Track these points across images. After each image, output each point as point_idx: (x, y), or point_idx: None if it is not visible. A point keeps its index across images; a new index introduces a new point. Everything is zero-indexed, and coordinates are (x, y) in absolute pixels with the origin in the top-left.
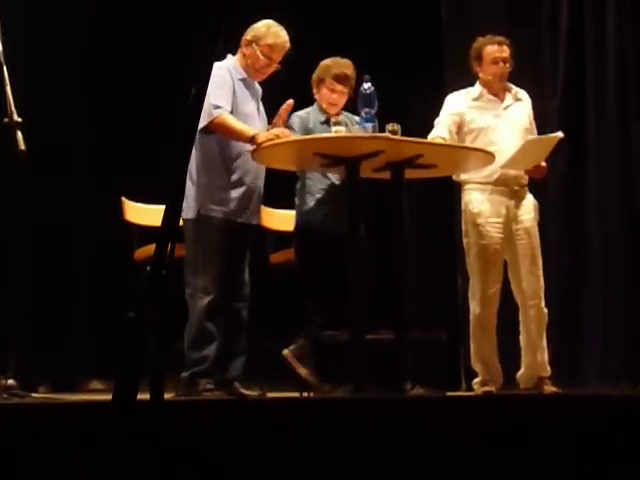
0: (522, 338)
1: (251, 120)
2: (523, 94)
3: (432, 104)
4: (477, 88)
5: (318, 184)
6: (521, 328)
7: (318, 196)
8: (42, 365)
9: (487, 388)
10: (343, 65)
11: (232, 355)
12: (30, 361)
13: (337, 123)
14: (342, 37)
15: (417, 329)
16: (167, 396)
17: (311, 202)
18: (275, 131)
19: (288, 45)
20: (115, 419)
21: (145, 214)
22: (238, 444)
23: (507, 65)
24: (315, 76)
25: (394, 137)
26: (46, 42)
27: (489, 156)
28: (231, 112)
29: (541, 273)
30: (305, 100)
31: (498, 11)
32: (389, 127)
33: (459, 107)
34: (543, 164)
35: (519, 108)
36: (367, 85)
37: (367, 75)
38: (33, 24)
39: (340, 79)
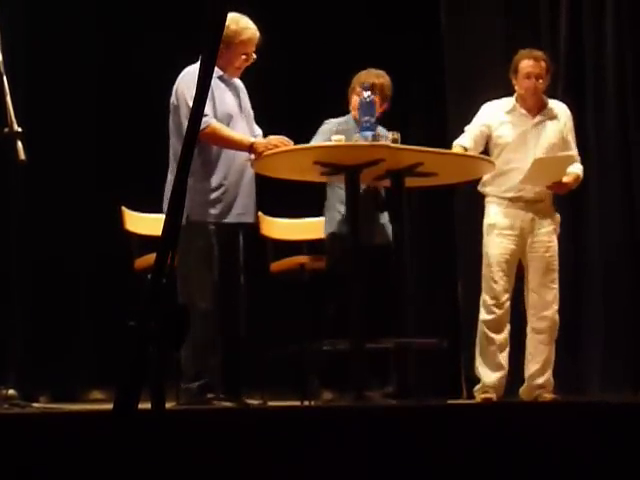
0: (529, 350)
1: (234, 121)
2: (560, 109)
3: (432, 112)
4: (511, 101)
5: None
6: (528, 340)
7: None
8: (42, 375)
9: (487, 395)
10: (372, 74)
11: (234, 363)
12: (30, 371)
13: (338, 132)
14: (341, 45)
15: (418, 336)
16: (168, 405)
17: (338, 210)
18: (274, 140)
19: (258, 34)
20: (116, 428)
21: (145, 223)
22: (240, 453)
23: (540, 81)
24: (351, 87)
25: (394, 145)
26: (47, 51)
27: (489, 165)
28: (214, 116)
29: (556, 286)
30: (303, 107)
31: (497, 13)
32: (389, 135)
33: (490, 119)
34: (565, 179)
35: (551, 125)
36: (367, 93)
37: (366, 84)
38: (33, 34)
39: (366, 87)
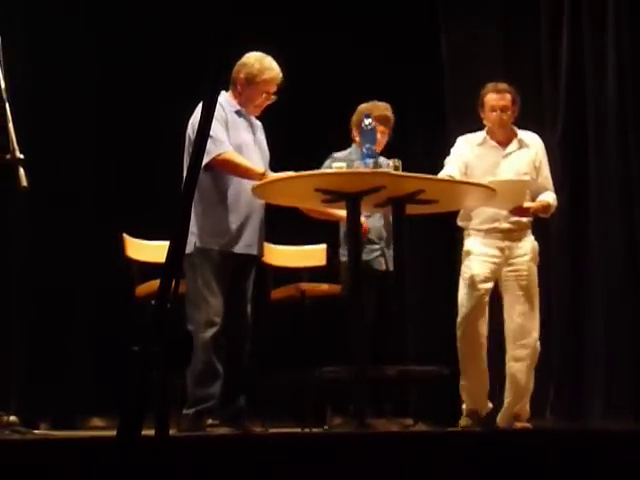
0: (508, 377)
1: (245, 150)
2: (531, 139)
3: (433, 139)
4: (482, 134)
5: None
6: (507, 369)
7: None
8: (43, 402)
9: (464, 422)
10: (382, 107)
11: (236, 390)
12: (31, 398)
13: (339, 159)
14: (342, 76)
15: (419, 364)
16: (171, 432)
17: None
18: (288, 173)
19: (281, 75)
20: (119, 455)
21: (146, 251)
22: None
23: (507, 113)
24: (355, 119)
25: (395, 172)
26: (49, 78)
27: (490, 192)
28: None
29: (536, 313)
30: (302, 134)
31: (497, 43)
32: (390, 163)
33: (463, 152)
34: (528, 204)
35: (521, 155)
36: (368, 121)
37: (367, 112)
38: (35, 60)
39: (381, 120)
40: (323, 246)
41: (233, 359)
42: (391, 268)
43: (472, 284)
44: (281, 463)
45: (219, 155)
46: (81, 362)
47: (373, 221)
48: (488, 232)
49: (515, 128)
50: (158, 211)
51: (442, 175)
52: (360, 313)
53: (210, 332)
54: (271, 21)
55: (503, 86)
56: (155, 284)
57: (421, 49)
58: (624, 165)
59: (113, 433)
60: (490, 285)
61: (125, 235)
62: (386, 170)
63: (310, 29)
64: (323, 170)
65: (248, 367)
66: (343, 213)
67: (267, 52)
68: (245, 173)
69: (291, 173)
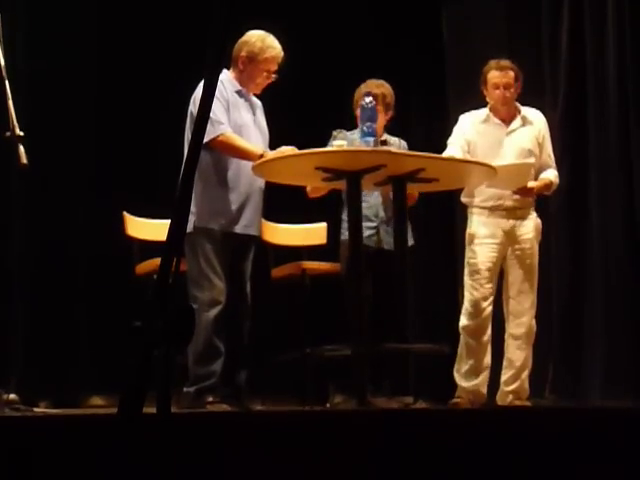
0: (506, 356)
1: (245, 130)
2: (535, 116)
3: (434, 118)
4: (485, 111)
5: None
6: (505, 346)
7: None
8: (43, 380)
9: (456, 400)
10: (372, 84)
11: (236, 368)
12: (31, 376)
13: (339, 137)
14: (343, 53)
15: (420, 342)
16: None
17: None
18: (284, 149)
19: (282, 54)
20: (121, 432)
21: (146, 229)
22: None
23: (510, 90)
24: (356, 98)
25: (396, 151)
26: (48, 56)
27: (491, 170)
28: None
29: (534, 292)
30: (304, 115)
31: (499, 23)
32: (397, 141)
33: (466, 130)
34: (531, 184)
35: (525, 132)
36: (368, 99)
37: (367, 90)
38: (35, 38)
39: (367, 93)
40: (324, 224)
41: (233, 338)
42: (385, 247)
43: (476, 271)
44: (281, 440)
45: (217, 137)
46: (82, 340)
47: (370, 199)
48: (492, 210)
49: (518, 105)
50: (159, 189)
51: (444, 155)
52: (359, 291)
53: (214, 311)
54: (274, 1)
55: (505, 63)
56: (155, 262)
57: (422, 29)
58: (624, 144)
59: (114, 411)
60: (496, 270)
61: (125, 213)
62: (387, 148)
63: (313, 9)
64: (323, 149)
65: (248, 345)
66: None
67: (270, 32)
68: (243, 154)
69: (288, 148)
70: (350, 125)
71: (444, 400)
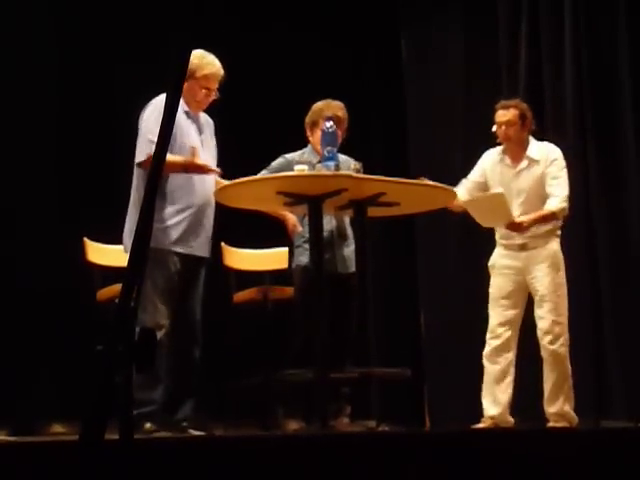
0: (544, 368)
1: (196, 152)
2: (542, 153)
3: (393, 142)
4: (499, 150)
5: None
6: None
7: (308, 235)
8: (2, 408)
9: (480, 425)
10: (334, 107)
11: (181, 397)
12: None
13: (300, 162)
14: (297, 72)
15: (381, 366)
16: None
17: (304, 241)
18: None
19: (222, 72)
20: (83, 459)
21: (107, 255)
22: None
23: (513, 128)
24: (308, 119)
25: (357, 175)
26: (5, 78)
27: (450, 194)
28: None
29: (553, 316)
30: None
31: (458, 45)
32: (351, 162)
33: (486, 168)
34: (521, 218)
35: (531, 172)
36: (329, 124)
37: (329, 114)
38: None
39: (328, 118)
40: (285, 249)
41: (181, 364)
42: (340, 270)
43: (494, 299)
44: (244, 465)
45: (148, 155)
46: (41, 367)
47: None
48: (506, 247)
49: (531, 141)
50: (119, 216)
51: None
52: (322, 314)
53: (157, 336)
54: (222, 21)
55: (510, 102)
56: (116, 288)
57: (381, 49)
58: (582, 167)
59: (75, 438)
60: (517, 297)
61: (86, 239)
62: (348, 173)
63: (262, 29)
64: (285, 173)
65: (198, 372)
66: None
67: (217, 52)
68: (171, 167)
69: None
70: (301, 144)
71: (407, 424)
